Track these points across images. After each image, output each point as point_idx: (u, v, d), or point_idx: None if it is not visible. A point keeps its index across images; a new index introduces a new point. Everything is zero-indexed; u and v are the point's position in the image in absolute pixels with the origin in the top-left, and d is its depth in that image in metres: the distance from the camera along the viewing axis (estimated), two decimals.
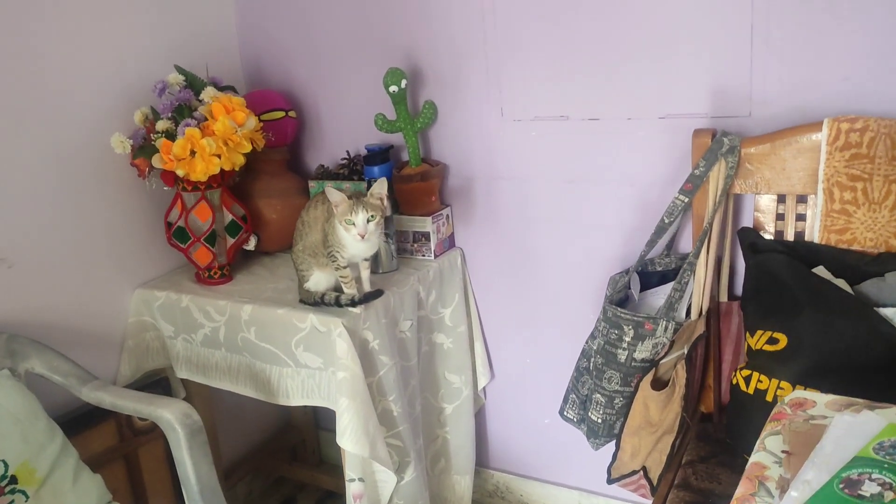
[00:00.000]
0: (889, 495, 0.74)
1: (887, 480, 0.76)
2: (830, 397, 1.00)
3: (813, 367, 1.26)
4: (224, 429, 2.20)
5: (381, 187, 1.63)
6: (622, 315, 1.51)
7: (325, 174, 2.10)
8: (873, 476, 0.77)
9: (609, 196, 1.80)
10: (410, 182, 1.94)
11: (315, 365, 1.74)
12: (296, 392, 1.80)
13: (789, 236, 1.49)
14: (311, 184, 2.09)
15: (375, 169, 1.99)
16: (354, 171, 2.05)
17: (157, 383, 1.97)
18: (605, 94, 1.74)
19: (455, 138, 2.00)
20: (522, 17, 1.80)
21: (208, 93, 1.86)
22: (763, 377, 1.30)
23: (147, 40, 1.97)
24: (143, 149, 1.83)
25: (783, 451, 0.89)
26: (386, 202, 1.65)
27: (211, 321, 1.87)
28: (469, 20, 1.87)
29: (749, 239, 1.46)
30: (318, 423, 2.49)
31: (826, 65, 1.48)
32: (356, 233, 1.59)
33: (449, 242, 2.05)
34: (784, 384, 1.27)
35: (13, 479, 1.49)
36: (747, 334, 1.37)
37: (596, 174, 1.80)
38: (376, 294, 1.72)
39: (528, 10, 1.79)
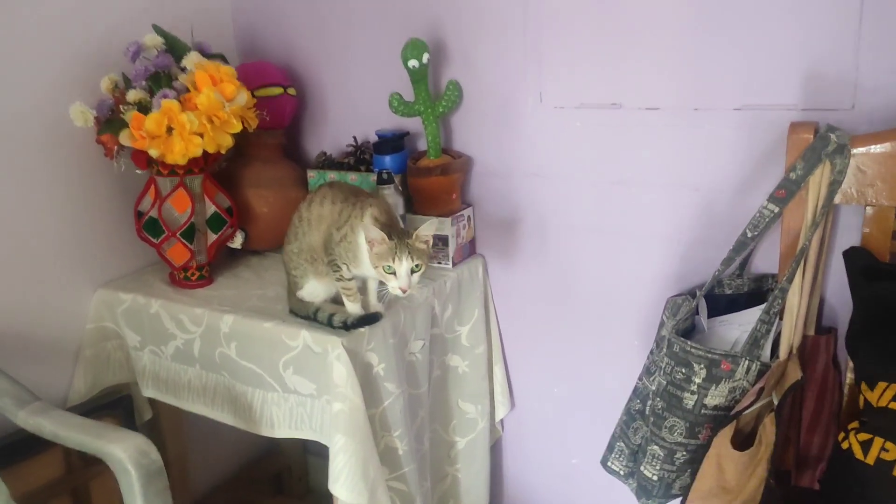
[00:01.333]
0: None
1: None
2: None
3: None
4: (196, 453, 1.90)
5: (429, 229, 1.31)
6: (692, 350, 1.21)
7: (327, 163, 1.80)
8: None
9: (666, 202, 1.50)
10: (429, 176, 1.64)
11: (306, 391, 1.44)
12: (282, 422, 1.50)
13: None
14: (311, 173, 1.79)
15: (387, 159, 1.70)
16: (362, 160, 1.76)
17: (119, 402, 1.67)
18: (668, 79, 1.45)
19: (482, 127, 1.70)
20: None
21: (191, 59, 1.56)
22: (890, 444, 1.00)
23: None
24: (110, 123, 1.53)
25: None
26: (430, 247, 1.33)
27: (185, 332, 1.57)
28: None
29: (861, 262, 1.16)
30: (306, 446, 2.19)
31: None
32: (397, 286, 1.28)
33: (469, 249, 1.76)
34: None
35: None
36: (863, 385, 1.07)
37: (651, 175, 1.51)
38: (372, 318, 1.41)
39: None
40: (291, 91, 1.82)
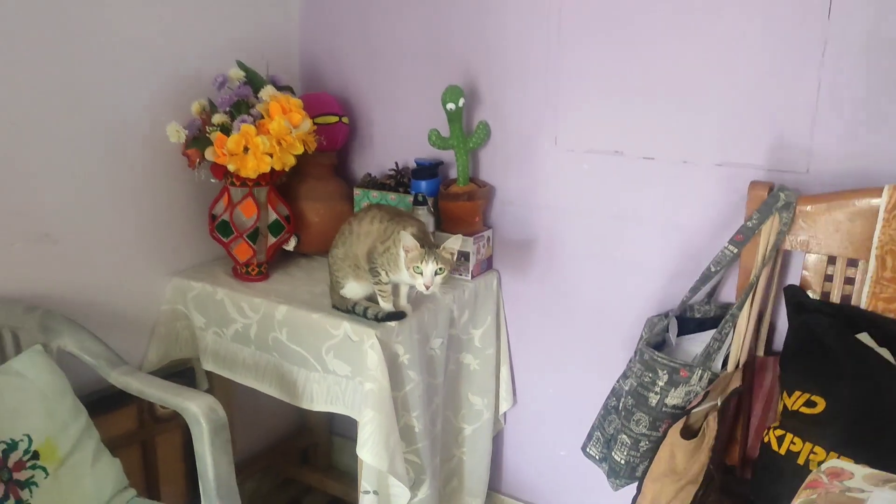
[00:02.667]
0: None
1: None
2: (868, 470, 1.00)
3: (850, 435, 1.25)
4: (240, 424, 2.22)
5: (455, 243, 1.64)
6: (658, 359, 1.51)
7: (371, 183, 2.12)
8: None
9: (654, 237, 1.80)
10: (457, 200, 1.96)
11: (343, 373, 1.76)
12: (320, 397, 1.81)
13: (835, 298, 1.49)
14: (357, 191, 2.11)
15: (423, 183, 2.02)
16: (401, 182, 2.07)
17: (182, 373, 2.00)
18: (663, 135, 1.75)
19: (504, 162, 2.01)
20: (587, 47, 1.81)
21: (267, 91, 1.89)
22: (797, 439, 1.29)
23: (209, 32, 2.01)
24: (197, 140, 1.86)
25: None
26: (455, 258, 1.66)
27: (244, 317, 1.89)
28: (532, 45, 1.89)
29: (795, 298, 1.45)
30: (332, 428, 2.51)
31: (891, 131, 1.48)
32: (422, 282, 1.61)
33: (487, 264, 2.07)
34: (818, 449, 1.27)
35: (35, 455, 1.52)
36: (784, 394, 1.37)
37: (643, 214, 1.81)
38: (400, 315, 1.73)
39: (594, 40, 1.80)
40: (345, 120, 2.15)
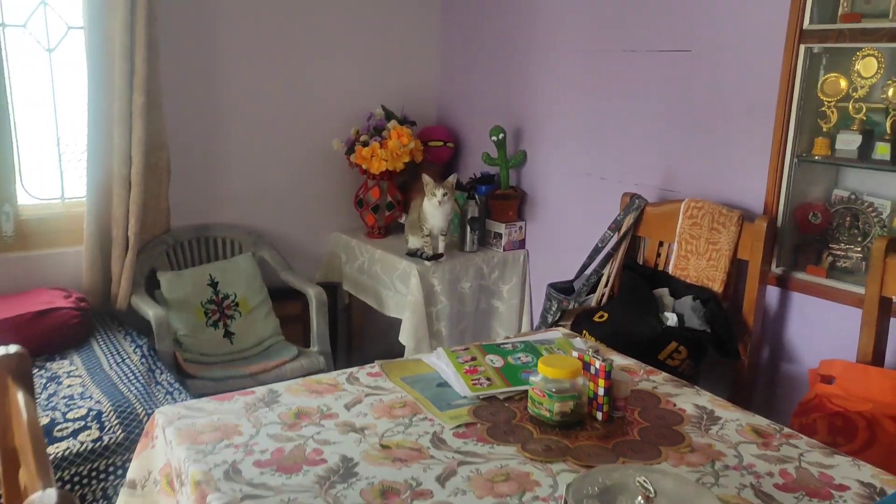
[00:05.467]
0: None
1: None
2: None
3: (611, 333, 2.21)
4: (369, 329, 3.57)
5: (452, 179, 2.85)
6: (552, 292, 2.55)
7: (458, 186, 3.34)
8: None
9: (601, 226, 2.79)
10: (496, 199, 3.12)
11: (402, 292, 3.01)
12: (391, 307, 3.08)
13: (661, 267, 2.41)
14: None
15: (483, 187, 3.20)
16: (473, 186, 3.28)
17: (332, 287, 3.40)
18: (612, 164, 2.74)
19: (535, 177, 3.12)
20: (578, 104, 2.87)
21: (392, 124, 3.22)
22: (590, 336, 2.27)
23: (375, 85, 3.40)
24: (350, 150, 3.25)
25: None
26: (454, 187, 2.86)
27: (362, 256, 3.24)
28: (545, 103, 2.99)
29: (629, 263, 2.41)
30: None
31: (697, 169, 2.37)
32: (436, 201, 2.82)
33: (519, 244, 3.18)
34: (590, 337, 2.24)
35: (236, 304, 2.99)
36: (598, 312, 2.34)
37: (596, 211, 2.81)
38: (438, 256, 2.94)
39: (581, 100, 2.86)
40: (450, 144, 3.41)
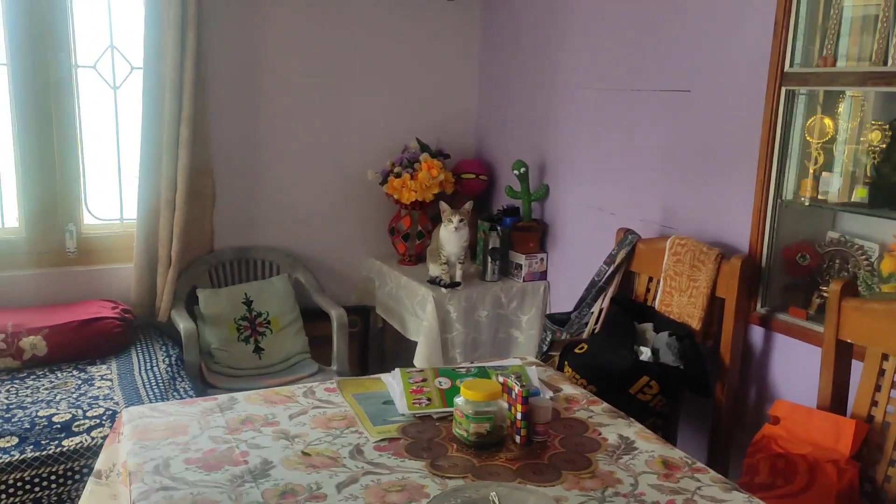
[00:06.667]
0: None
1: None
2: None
3: (587, 364, 2.28)
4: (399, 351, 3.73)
5: (468, 205, 2.99)
6: (547, 323, 2.64)
7: (487, 218, 3.48)
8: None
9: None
10: (518, 230, 3.23)
11: (421, 317, 3.17)
12: (412, 331, 3.24)
13: (650, 301, 2.46)
14: (479, 222, 3.49)
15: (507, 219, 3.32)
16: (499, 218, 3.40)
17: (364, 309, 3.59)
18: (620, 199, 2.81)
19: (556, 210, 3.22)
20: (588, 140, 2.97)
21: (424, 157, 3.40)
22: (569, 368, 2.34)
23: (413, 118, 3.60)
24: (384, 181, 3.45)
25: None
26: (469, 213, 3.00)
27: (391, 282, 3.42)
28: (565, 139, 3.09)
29: (618, 296, 2.47)
30: None
31: (692, 207, 2.42)
32: (452, 227, 2.98)
33: (539, 275, 3.27)
34: (569, 369, 2.32)
35: (268, 322, 3.23)
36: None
37: (610, 247, 2.88)
38: (455, 284, 3.08)
39: (595, 136, 2.95)
40: (482, 177, 3.55)
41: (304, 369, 3.12)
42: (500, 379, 1.73)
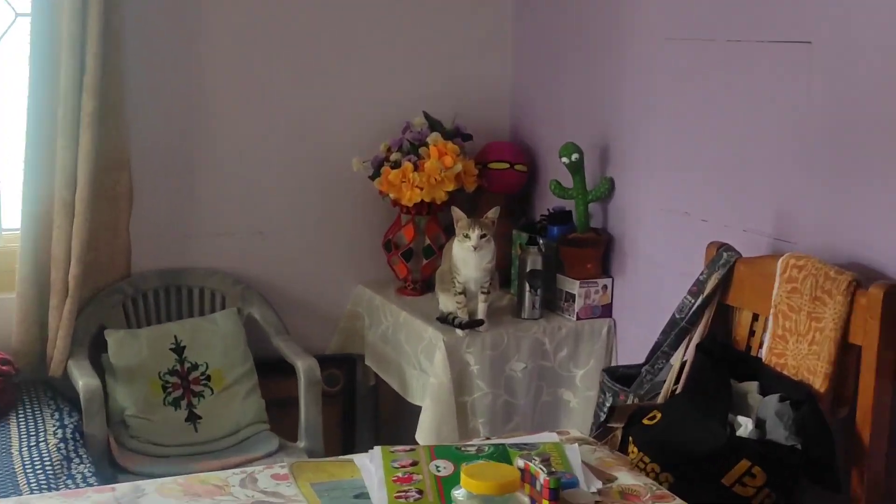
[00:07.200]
0: None
1: None
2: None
3: (660, 441, 2.28)
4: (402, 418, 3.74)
5: (494, 213, 3.01)
6: (605, 381, 2.64)
7: (526, 226, 3.49)
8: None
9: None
10: (569, 245, 3.24)
11: (428, 371, 3.18)
12: (416, 392, 3.25)
13: (755, 349, 2.45)
14: (514, 232, 3.50)
15: (555, 228, 3.33)
16: (542, 227, 3.41)
17: (346, 359, 3.61)
18: (716, 199, 2.81)
19: (625, 215, 3.22)
20: (679, 119, 2.97)
21: (432, 137, 3.42)
22: (633, 443, 2.33)
23: (414, 85, 3.63)
24: (377, 173, 3.48)
25: None
26: (495, 225, 3.01)
27: (387, 320, 3.44)
28: (636, 113, 3.09)
29: (706, 342, 2.47)
30: None
31: (822, 212, 2.41)
32: (470, 245, 2.99)
33: (601, 311, 3.27)
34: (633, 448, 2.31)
35: (208, 377, 3.27)
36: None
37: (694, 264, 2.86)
38: (476, 323, 3.09)
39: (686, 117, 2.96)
40: (519, 167, 3.57)
41: (259, 447, 3.16)
42: (522, 463, 1.73)
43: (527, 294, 3.22)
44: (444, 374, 3.06)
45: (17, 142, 3.20)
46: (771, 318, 2.39)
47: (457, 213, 3.06)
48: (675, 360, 2.56)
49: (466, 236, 3.01)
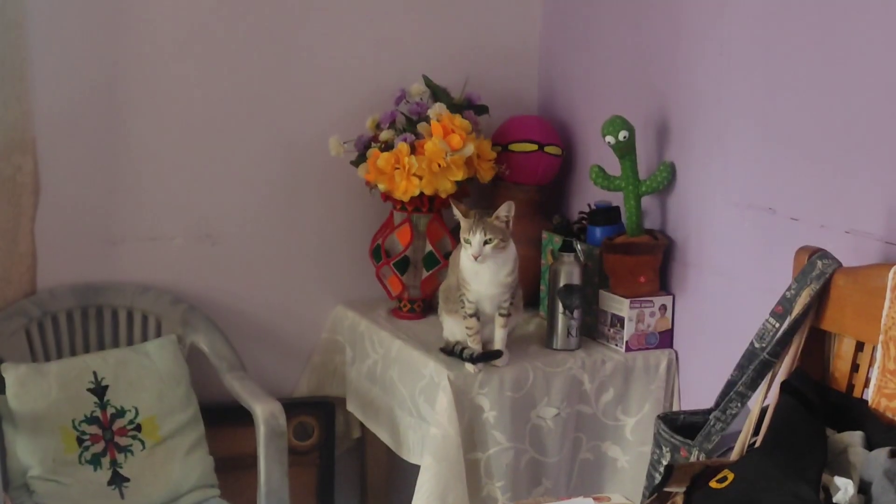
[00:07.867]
0: None
1: None
2: None
3: None
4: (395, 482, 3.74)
5: (506, 210, 2.98)
6: (663, 433, 2.65)
7: (561, 226, 3.49)
8: None
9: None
10: (613, 253, 3.24)
11: (428, 419, 3.17)
12: (412, 447, 3.25)
13: (857, 390, 2.45)
14: (544, 234, 3.50)
15: (597, 230, 3.34)
16: (581, 227, 3.41)
17: (322, 406, 3.62)
18: (810, 192, 2.80)
19: (690, 212, 3.22)
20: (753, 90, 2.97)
21: (435, 109, 3.41)
22: None
23: (411, 43, 3.64)
24: (361, 156, 3.49)
25: None
26: (510, 227, 2.98)
27: (375, 352, 3.45)
28: (706, 79, 3.09)
29: (791, 379, 2.47)
30: None
31: None
32: (470, 253, 2.96)
33: (660, 340, 3.27)
34: None
35: (138, 427, 3.28)
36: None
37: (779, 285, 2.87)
38: (494, 355, 3.09)
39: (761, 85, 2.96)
40: (551, 150, 3.58)
41: None
42: None
43: (560, 317, 3.23)
44: (449, 423, 3.05)
45: None
46: (880, 347, 2.39)
47: (457, 209, 3.04)
48: (754, 404, 2.56)
49: (467, 241, 2.98)
